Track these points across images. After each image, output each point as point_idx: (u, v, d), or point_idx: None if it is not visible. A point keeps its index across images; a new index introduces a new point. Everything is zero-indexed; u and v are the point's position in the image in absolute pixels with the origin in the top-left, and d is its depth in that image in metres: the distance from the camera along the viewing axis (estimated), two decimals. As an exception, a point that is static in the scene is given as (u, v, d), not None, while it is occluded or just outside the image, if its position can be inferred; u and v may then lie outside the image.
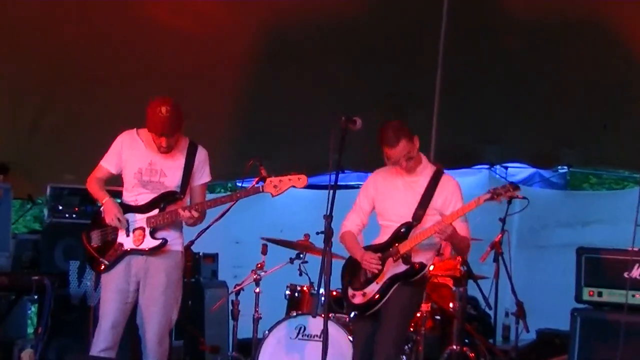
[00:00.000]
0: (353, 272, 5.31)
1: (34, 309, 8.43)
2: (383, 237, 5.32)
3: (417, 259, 5.19)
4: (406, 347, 6.02)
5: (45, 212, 7.23)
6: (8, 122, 7.99)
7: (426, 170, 5.32)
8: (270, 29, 7.46)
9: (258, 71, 7.92)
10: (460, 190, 5.31)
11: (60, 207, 7.02)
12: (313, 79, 8.12)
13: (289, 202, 9.97)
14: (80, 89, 7.80)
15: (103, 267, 5.28)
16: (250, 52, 7.71)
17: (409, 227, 5.20)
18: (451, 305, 6.48)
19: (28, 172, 8.40)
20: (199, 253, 7.86)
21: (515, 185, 5.08)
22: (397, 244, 5.19)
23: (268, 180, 5.15)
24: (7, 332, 7.04)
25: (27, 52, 7.35)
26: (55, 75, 7.64)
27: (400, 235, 5.21)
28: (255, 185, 5.19)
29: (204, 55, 7.60)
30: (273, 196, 5.17)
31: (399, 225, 5.23)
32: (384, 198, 5.34)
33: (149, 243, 5.24)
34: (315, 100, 8.25)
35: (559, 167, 10.62)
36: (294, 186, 5.15)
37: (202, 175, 5.40)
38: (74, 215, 6.97)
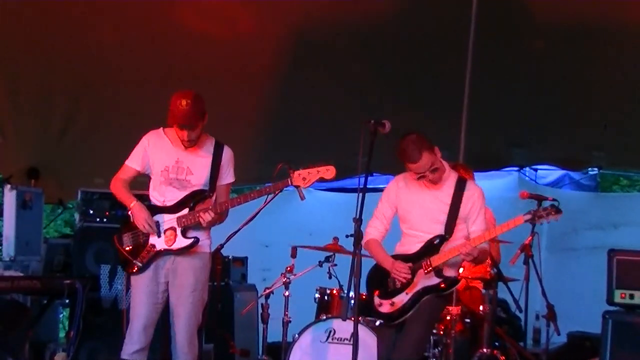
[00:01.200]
0: (380, 280, 5.31)
1: (65, 312, 8.49)
2: (408, 245, 5.30)
3: (447, 272, 5.21)
4: (436, 349, 6.01)
5: (76, 216, 7.29)
6: (38, 126, 8.08)
7: (450, 178, 5.29)
8: (297, 34, 7.49)
9: (285, 75, 7.95)
10: (483, 199, 5.30)
11: (91, 212, 7.08)
12: (340, 83, 8.13)
13: (317, 205, 10.00)
14: (109, 93, 7.87)
15: (136, 268, 5.30)
16: (277, 57, 7.74)
17: (441, 239, 5.19)
18: (481, 308, 6.45)
19: (58, 176, 8.48)
20: (228, 256, 7.88)
21: (557, 209, 5.05)
22: (429, 256, 5.17)
23: (296, 173, 5.13)
24: (39, 335, 7.09)
25: (56, 57, 7.44)
26: (83, 79, 7.71)
27: (433, 247, 5.19)
28: (284, 180, 5.15)
29: (231, 60, 7.64)
30: (303, 187, 5.13)
31: (428, 237, 5.21)
32: (408, 206, 5.32)
33: (181, 242, 5.25)
34: (342, 104, 8.26)
35: (589, 169, 10.52)
36: (322, 177, 5.13)
37: (227, 175, 5.40)
38: (104, 220, 7.03)
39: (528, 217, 5.00)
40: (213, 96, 7.44)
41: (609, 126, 8.48)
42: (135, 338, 5.21)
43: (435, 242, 5.18)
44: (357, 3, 7.18)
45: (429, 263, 5.14)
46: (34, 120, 8.00)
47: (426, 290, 5.16)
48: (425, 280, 5.17)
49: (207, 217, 5.17)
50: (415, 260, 5.21)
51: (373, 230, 5.38)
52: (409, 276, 5.16)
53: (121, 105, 7.92)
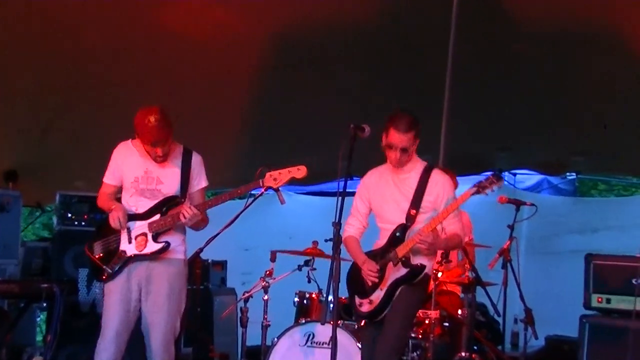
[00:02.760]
0: (357, 279, 5.30)
1: (42, 316, 8.45)
2: (382, 240, 5.31)
3: (416, 260, 5.17)
4: (415, 353, 6.03)
5: (55, 219, 7.25)
6: (18, 129, 8.02)
7: (416, 167, 5.27)
8: (280, 37, 7.48)
9: (269, 79, 7.94)
10: (451, 185, 5.29)
11: (70, 215, 7.05)
12: (324, 87, 8.13)
13: (297, 209, 10.02)
14: (90, 97, 7.82)
15: (106, 275, 5.26)
16: (260, 60, 7.73)
17: (403, 229, 5.18)
18: (460, 312, 6.48)
19: (37, 179, 8.43)
20: (207, 260, 7.88)
21: (498, 177, 5.07)
22: (394, 248, 5.18)
23: (267, 174, 5.12)
24: (16, 339, 7.04)
25: (38, 60, 7.38)
26: (65, 83, 7.67)
27: (397, 238, 5.19)
28: (256, 180, 5.14)
29: (217, 63, 7.62)
30: (273, 187, 5.12)
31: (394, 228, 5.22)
32: (378, 199, 5.32)
33: (152, 247, 5.22)
34: (325, 108, 8.26)
35: (568, 173, 10.60)
36: (294, 177, 5.12)
37: (200, 180, 5.39)
38: (83, 223, 7.01)
39: (474, 189, 5.02)
40: (194, 100, 7.48)
41: (588, 131, 8.53)
42: (108, 346, 5.17)
43: (397, 234, 5.19)
44: (340, 7, 7.19)
45: (395, 254, 5.15)
46: (14, 122, 7.95)
47: (397, 282, 5.16)
48: (395, 272, 5.17)
49: (189, 212, 5.13)
50: (383, 254, 5.22)
51: (350, 228, 5.38)
52: (376, 278, 5.15)
53: (102, 108, 7.88)
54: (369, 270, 5.17)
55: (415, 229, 5.14)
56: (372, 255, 5.28)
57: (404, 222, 5.18)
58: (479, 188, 5.03)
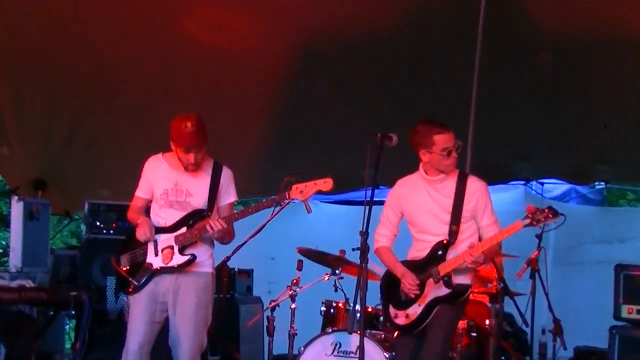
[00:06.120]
0: (392, 288, 5.28)
1: (71, 323, 8.50)
2: (419, 251, 5.26)
3: (457, 279, 5.14)
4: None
5: (83, 227, 7.30)
6: (44, 138, 8.09)
7: (450, 175, 5.22)
8: (303, 47, 7.50)
9: (291, 88, 7.96)
10: (488, 192, 5.23)
11: (98, 223, 7.10)
12: (346, 96, 8.14)
13: (323, 218, 10.01)
14: (115, 105, 7.88)
15: (132, 287, 5.28)
16: (283, 70, 7.75)
17: (445, 246, 5.14)
18: (487, 322, 6.44)
19: (65, 188, 8.48)
20: (234, 269, 7.89)
21: (554, 212, 4.96)
22: (436, 265, 5.13)
23: (294, 187, 5.11)
24: (45, 346, 7.09)
25: (62, 69, 7.45)
26: (89, 91, 7.73)
27: (438, 256, 5.15)
28: (282, 192, 5.14)
29: (238, 72, 7.65)
30: (300, 200, 5.11)
31: (436, 240, 5.16)
32: (412, 210, 5.27)
33: (178, 260, 5.23)
34: (348, 117, 8.27)
35: (596, 183, 10.52)
36: (320, 190, 5.10)
37: (228, 194, 5.38)
38: (111, 231, 7.05)
39: (527, 221, 4.93)
40: (219, 109, 7.51)
41: (616, 141, 8.47)
42: (131, 356, 5.18)
43: (439, 252, 5.14)
44: (364, 16, 7.19)
45: (437, 272, 5.11)
46: (40, 131, 8.01)
47: (437, 300, 5.14)
48: (435, 290, 5.14)
49: (217, 225, 5.13)
50: (423, 269, 5.17)
51: (381, 238, 5.34)
52: (418, 292, 5.14)
53: (127, 116, 7.93)
54: (409, 285, 5.13)
55: (459, 247, 5.10)
56: (410, 266, 5.24)
57: (447, 238, 5.14)
58: (532, 221, 4.93)
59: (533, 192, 10.23)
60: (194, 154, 5.17)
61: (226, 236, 5.33)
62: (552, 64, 7.59)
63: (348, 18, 7.21)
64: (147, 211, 5.41)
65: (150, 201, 5.40)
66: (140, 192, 5.42)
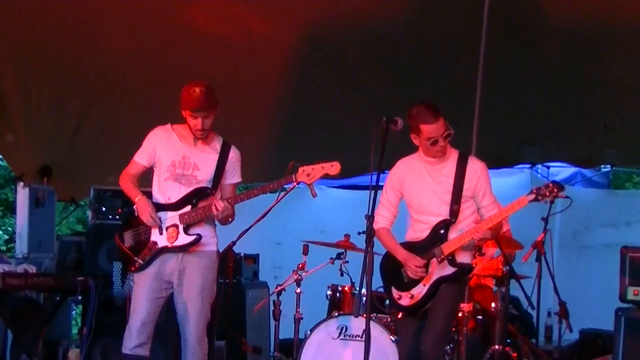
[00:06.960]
0: (394, 270, 5.28)
1: (78, 310, 8.53)
2: (417, 232, 5.26)
3: (459, 258, 5.16)
4: (448, 347, 6.01)
5: (89, 214, 7.31)
6: (50, 125, 8.12)
7: (451, 156, 5.23)
8: (310, 37, 7.52)
9: (298, 77, 7.98)
10: (487, 172, 5.23)
11: (104, 209, 7.10)
12: (352, 85, 8.15)
13: (329, 203, 10.01)
14: (121, 93, 7.90)
15: (137, 265, 5.28)
16: (290, 59, 7.78)
17: (447, 225, 5.15)
18: (493, 305, 6.44)
19: (71, 174, 8.50)
20: (240, 254, 7.89)
21: (559, 185, 4.94)
22: (439, 244, 5.14)
23: (300, 169, 5.10)
24: (52, 332, 7.13)
25: (69, 57, 7.48)
26: (97, 79, 7.75)
27: (440, 235, 5.16)
28: (288, 175, 5.13)
29: (244, 62, 7.67)
30: (307, 183, 5.11)
31: (436, 220, 5.17)
32: (413, 190, 5.26)
33: (184, 239, 5.22)
34: (353, 105, 8.28)
35: (602, 166, 10.49)
36: (327, 174, 5.10)
37: (234, 174, 5.38)
38: (117, 217, 7.03)
39: (532, 196, 4.90)
40: (226, 98, 7.47)
41: (622, 124, 8.47)
42: (135, 334, 5.20)
43: (441, 231, 5.14)
44: (370, 6, 7.19)
45: (441, 251, 5.11)
46: (47, 118, 8.04)
47: (442, 279, 5.15)
48: (440, 269, 5.14)
49: (221, 205, 5.13)
50: (425, 249, 5.17)
51: (381, 219, 5.31)
52: (424, 273, 5.14)
53: (133, 104, 7.95)
54: (415, 267, 5.13)
55: (459, 226, 5.12)
56: (411, 248, 5.24)
57: (448, 217, 5.14)
58: (537, 195, 4.91)
59: (539, 175, 10.21)
60: (202, 118, 5.14)
61: (229, 217, 5.32)
62: (558, 50, 7.58)
63: (354, 8, 7.20)
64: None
65: (147, 170, 5.37)
66: (141, 158, 5.36)
